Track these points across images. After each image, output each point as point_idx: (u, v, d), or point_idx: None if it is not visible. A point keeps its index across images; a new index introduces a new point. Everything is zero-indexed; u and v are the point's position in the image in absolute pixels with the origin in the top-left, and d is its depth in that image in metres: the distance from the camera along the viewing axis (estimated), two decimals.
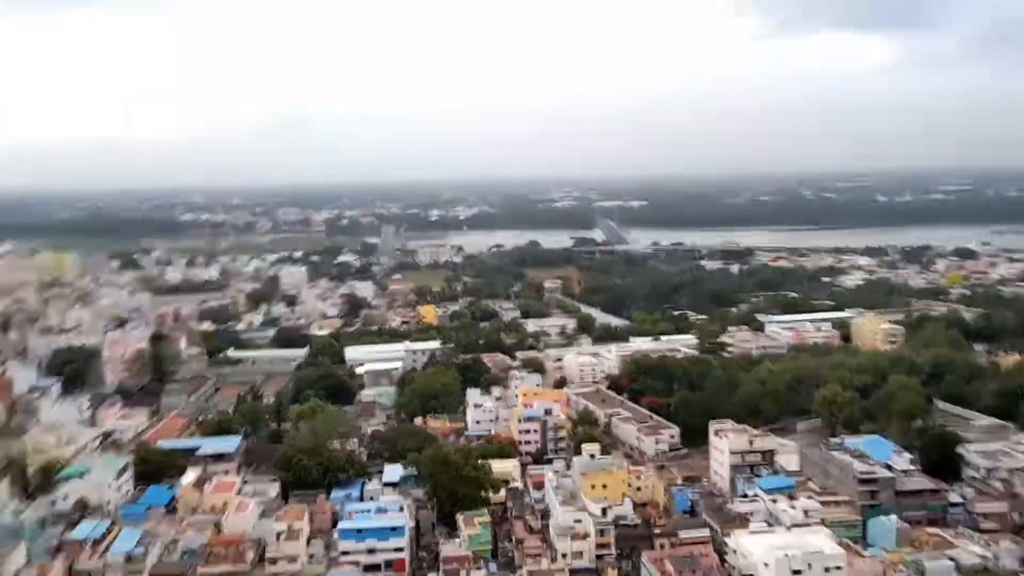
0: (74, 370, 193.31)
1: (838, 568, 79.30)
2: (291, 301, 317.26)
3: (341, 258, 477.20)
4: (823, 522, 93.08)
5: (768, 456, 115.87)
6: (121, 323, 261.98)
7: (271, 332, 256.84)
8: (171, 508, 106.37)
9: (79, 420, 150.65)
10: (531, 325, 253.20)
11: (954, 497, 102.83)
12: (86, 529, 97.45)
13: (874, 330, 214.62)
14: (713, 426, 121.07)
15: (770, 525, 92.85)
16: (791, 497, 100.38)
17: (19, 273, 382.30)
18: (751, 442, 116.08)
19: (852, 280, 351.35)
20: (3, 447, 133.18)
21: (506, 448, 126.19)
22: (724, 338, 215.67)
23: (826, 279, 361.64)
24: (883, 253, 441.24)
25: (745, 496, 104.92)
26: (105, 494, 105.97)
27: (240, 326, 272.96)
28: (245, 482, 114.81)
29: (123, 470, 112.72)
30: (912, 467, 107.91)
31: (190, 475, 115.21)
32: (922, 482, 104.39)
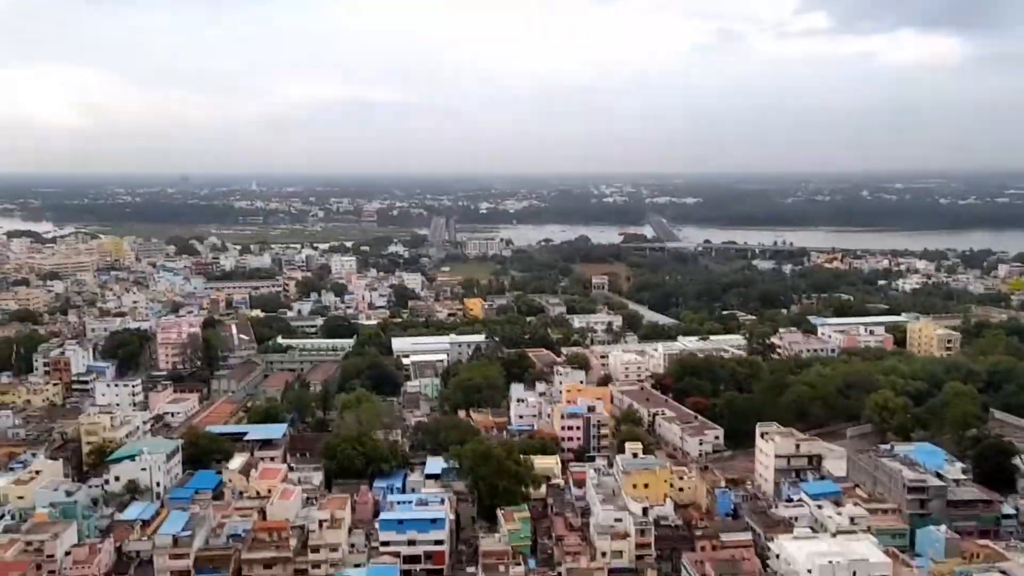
0: (128, 352, 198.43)
1: None
2: (340, 290, 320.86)
3: (390, 248, 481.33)
4: (869, 530, 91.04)
5: (815, 461, 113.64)
6: (175, 307, 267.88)
7: (320, 321, 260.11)
8: (218, 492, 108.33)
9: (132, 403, 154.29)
10: (577, 321, 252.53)
11: (1007, 509, 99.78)
12: (135, 510, 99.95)
13: (930, 336, 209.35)
14: (759, 428, 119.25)
15: (815, 531, 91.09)
16: (837, 503, 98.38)
17: (79, 256, 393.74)
18: (798, 446, 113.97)
19: (909, 284, 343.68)
20: (59, 427, 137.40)
21: (548, 444, 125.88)
22: (773, 340, 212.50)
23: (882, 282, 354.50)
24: (942, 257, 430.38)
25: (790, 501, 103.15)
26: (155, 477, 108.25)
27: (290, 314, 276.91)
28: (291, 469, 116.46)
29: (173, 454, 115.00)
30: (964, 476, 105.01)
31: (237, 460, 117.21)
32: (974, 492, 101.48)
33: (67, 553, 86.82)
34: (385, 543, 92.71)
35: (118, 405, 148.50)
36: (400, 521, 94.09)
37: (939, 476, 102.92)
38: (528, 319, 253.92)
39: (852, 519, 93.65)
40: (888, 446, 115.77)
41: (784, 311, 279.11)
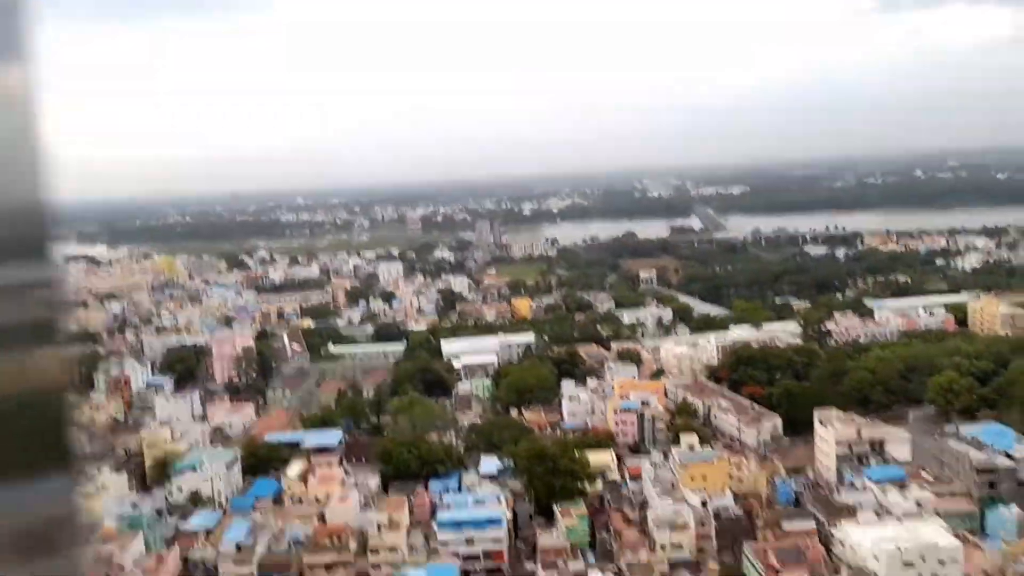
0: (185, 368, 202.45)
1: (954, 561, 75.36)
2: (388, 297, 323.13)
3: (436, 254, 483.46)
4: (937, 513, 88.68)
5: (878, 446, 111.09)
6: (228, 322, 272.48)
7: (370, 328, 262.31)
8: (277, 499, 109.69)
9: (190, 415, 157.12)
10: (627, 316, 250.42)
11: None
12: (199, 520, 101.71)
13: (993, 314, 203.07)
14: (817, 415, 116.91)
15: (880, 516, 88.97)
16: (902, 487, 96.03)
17: (134, 276, 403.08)
18: (859, 431, 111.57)
19: (968, 262, 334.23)
20: (122, 442, 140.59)
21: (602, 440, 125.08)
22: (829, 325, 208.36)
23: (940, 262, 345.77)
24: (1003, 233, 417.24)
25: (853, 487, 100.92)
26: (216, 486, 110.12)
27: (340, 322, 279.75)
28: (347, 474, 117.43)
29: (232, 463, 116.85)
30: None
31: (295, 467, 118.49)
32: None
33: (135, 563, 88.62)
34: (444, 543, 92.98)
35: (177, 419, 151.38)
36: (458, 521, 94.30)
37: (1009, 456, 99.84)
38: (577, 316, 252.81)
39: (918, 503, 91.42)
40: (954, 428, 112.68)
41: (839, 296, 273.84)
